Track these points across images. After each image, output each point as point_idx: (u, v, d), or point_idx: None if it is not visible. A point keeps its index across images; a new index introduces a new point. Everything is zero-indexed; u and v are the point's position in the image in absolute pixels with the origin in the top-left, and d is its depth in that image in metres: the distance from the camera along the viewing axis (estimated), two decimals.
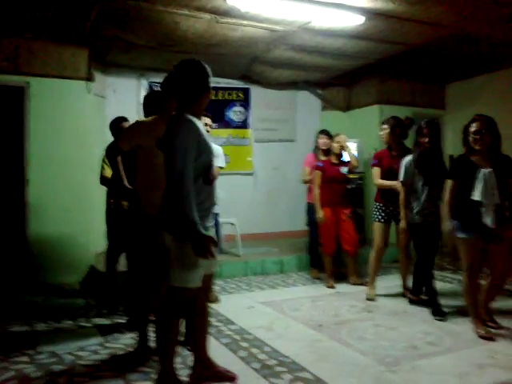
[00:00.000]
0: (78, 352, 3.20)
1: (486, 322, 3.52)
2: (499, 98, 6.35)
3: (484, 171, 3.35)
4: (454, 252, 6.14)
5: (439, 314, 3.91)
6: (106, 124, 5.95)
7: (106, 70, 6.16)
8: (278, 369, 2.91)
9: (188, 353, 3.07)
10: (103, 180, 4.05)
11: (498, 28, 4.81)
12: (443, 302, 4.10)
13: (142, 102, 3.44)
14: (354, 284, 5.07)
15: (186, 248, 2.38)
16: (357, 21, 4.54)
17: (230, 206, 5.51)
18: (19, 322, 3.84)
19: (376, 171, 4.55)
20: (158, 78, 6.36)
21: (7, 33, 4.78)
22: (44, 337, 3.52)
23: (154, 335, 2.57)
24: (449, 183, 3.55)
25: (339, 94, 7.70)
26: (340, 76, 6.99)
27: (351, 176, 5.47)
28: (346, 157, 5.18)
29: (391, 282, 5.01)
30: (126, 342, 3.41)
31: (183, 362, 2.99)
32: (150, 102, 3.26)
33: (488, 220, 3.33)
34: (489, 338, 3.36)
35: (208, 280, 2.73)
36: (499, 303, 3.92)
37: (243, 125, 7.15)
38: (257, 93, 7.24)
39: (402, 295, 4.55)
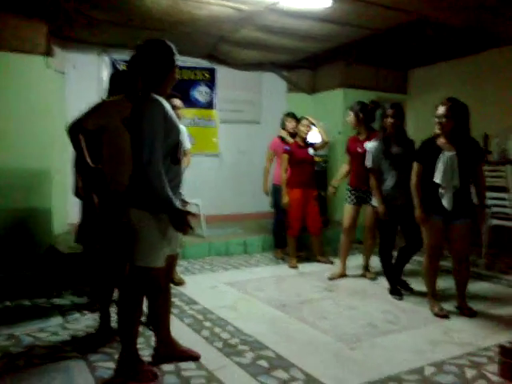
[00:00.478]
0: (38, 333, 3.14)
1: (463, 311, 3.56)
2: (460, 84, 6.51)
3: (447, 154, 3.41)
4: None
5: (396, 293, 4.03)
6: (65, 100, 5.84)
7: (67, 46, 5.93)
8: (241, 348, 2.95)
9: (150, 333, 3.07)
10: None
11: (459, 15, 4.90)
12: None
13: (103, 78, 3.37)
14: (321, 262, 5.22)
15: (151, 227, 2.39)
16: (324, 3, 4.53)
17: (194, 187, 5.47)
18: None
19: (347, 158, 4.75)
20: (121, 55, 6.20)
21: None
22: (0, 318, 3.43)
23: (117, 316, 2.55)
24: (415, 167, 3.61)
25: (305, 77, 7.71)
26: (306, 59, 7.00)
27: (316, 159, 5.54)
28: (314, 137, 5.28)
29: (353, 263, 5.13)
30: (86, 323, 3.37)
31: (146, 342, 2.98)
32: (117, 81, 3.20)
33: (445, 202, 3.40)
34: (443, 316, 3.50)
35: (172, 260, 2.73)
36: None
37: (208, 105, 7.07)
38: (223, 73, 7.15)
39: (362, 275, 4.69)
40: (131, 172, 2.47)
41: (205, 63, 6.98)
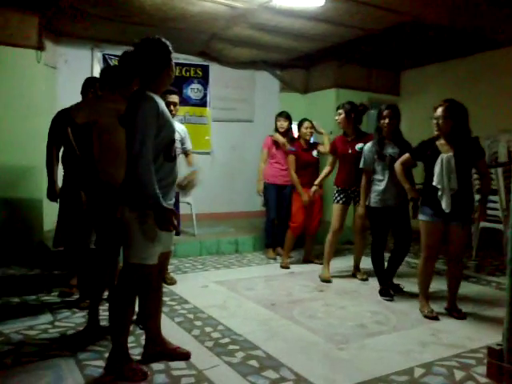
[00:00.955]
0: (27, 331, 3.11)
1: (452, 313, 3.58)
2: (452, 86, 6.56)
3: (443, 156, 3.40)
4: None
5: (387, 294, 4.05)
6: (57, 95, 5.79)
7: (59, 40, 5.88)
8: (231, 347, 2.94)
9: (141, 331, 3.06)
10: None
11: (451, 16, 4.93)
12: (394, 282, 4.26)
13: (95, 73, 3.35)
14: (314, 262, 5.21)
15: (145, 224, 2.39)
16: (317, 2, 4.54)
17: None
18: None
19: (331, 159, 4.74)
20: (113, 50, 6.16)
21: None
22: None
23: (108, 313, 2.54)
24: (404, 156, 3.68)
25: (298, 76, 7.71)
26: (299, 58, 7.01)
27: None
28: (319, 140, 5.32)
29: (344, 263, 5.15)
30: (76, 320, 3.34)
31: (136, 340, 2.97)
32: (108, 77, 3.17)
33: (443, 204, 3.39)
34: (433, 317, 3.52)
35: (164, 258, 2.72)
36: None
37: (201, 103, 7.05)
38: (216, 71, 7.14)
39: (353, 275, 4.71)
40: (125, 168, 2.47)
41: (198, 60, 6.96)
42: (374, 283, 4.33)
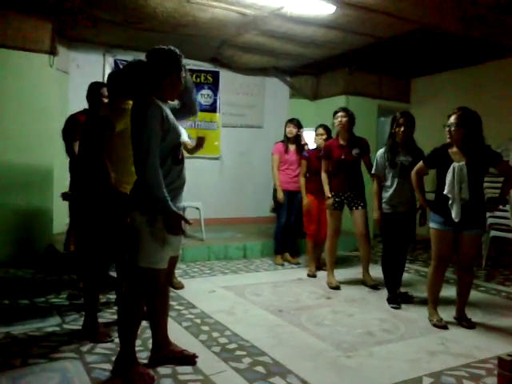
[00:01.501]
0: (35, 333, 3.13)
1: (461, 322, 3.54)
2: (462, 94, 6.54)
3: (455, 165, 3.36)
4: (412, 242, 6.35)
5: (394, 302, 4.02)
6: (68, 99, 5.85)
7: (71, 45, 5.96)
8: (238, 353, 2.93)
9: (148, 335, 3.05)
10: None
11: (462, 24, 4.92)
12: (402, 291, 4.23)
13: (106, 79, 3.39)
14: (323, 269, 5.13)
15: (155, 228, 2.40)
16: (328, 9, 4.55)
17: (195, 190, 5.47)
18: None
19: (324, 163, 4.64)
20: (125, 56, 6.22)
21: None
22: None
23: (117, 316, 2.56)
24: (418, 164, 3.64)
25: (307, 83, 7.73)
26: (309, 65, 7.02)
27: None
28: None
29: (352, 271, 5.13)
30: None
31: (143, 344, 2.97)
32: (116, 82, 3.21)
33: (453, 213, 3.35)
34: (442, 326, 3.48)
35: (172, 263, 2.74)
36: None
37: (211, 108, 7.09)
38: (226, 77, 7.18)
39: (362, 283, 4.66)
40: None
41: (208, 66, 7.00)
42: (382, 291, 4.29)
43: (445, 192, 3.39)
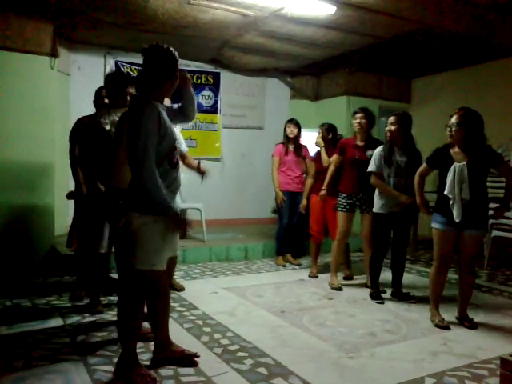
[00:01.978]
0: (37, 335, 3.13)
1: (463, 322, 3.54)
2: (463, 94, 6.53)
3: (456, 165, 3.35)
4: (414, 243, 6.36)
5: (378, 298, 4.13)
6: (70, 101, 5.86)
7: (72, 47, 5.96)
8: (240, 354, 2.93)
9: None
10: None
11: (461, 25, 4.92)
12: (403, 291, 4.24)
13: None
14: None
15: (154, 229, 2.40)
16: (328, 10, 4.55)
17: (196, 191, 5.47)
18: None
19: (336, 158, 4.58)
20: (126, 57, 6.23)
21: None
22: (0, 318, 3.42)
23: (117, 318, 2.57)
24: (422, 166, 3.63)
25: (308, 84, 7.73)
26: (309, 65, 7.02)
27: None
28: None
29: (354, 271, 5.11)
30: (86, 325, 3.35)
31: (145, 345, 2.97)
32: (113, 83, 3.30)
33: (454, 214, 3.35)
34: (444, 326, 3.47)
35: (171, 263, 2.74)
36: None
37: (212, 110, 7.08)
38: (227, 78, 7.18)
39: (365, 286, 4.59)
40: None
41: (209, 67, 7.00)
42: (386, 293, 4.30)
43: (445, 192, 3.39)
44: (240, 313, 3.77)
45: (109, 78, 3.64)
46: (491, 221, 5.26)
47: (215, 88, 7.07)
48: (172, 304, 3.48)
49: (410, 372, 2.74)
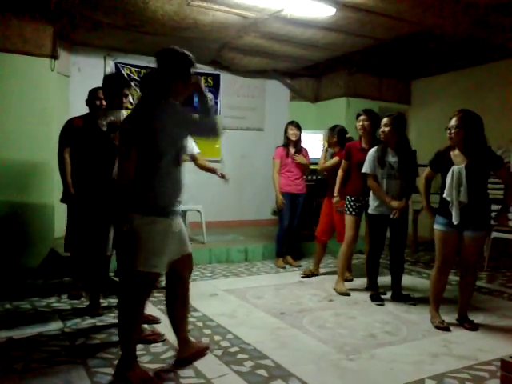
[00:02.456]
0: (37, 337, 3.12)
1: (464, 324, 3.53)
2: (463, 95, 6.53)
3: (454, 168, 3.35)
4: (414, 244, 6.36)
5: (378, 299, 4.14)
6: (69, 102, 5.86)
7: (72, 48, 5.97)
8: (240, 356, 2.93)
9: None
10: None
11: (462, 26, 4.93)
12: (403, 293, 4.24)
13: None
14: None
15: (154, 231, 2.42)
16: (328, 12, 4.56)
17: (196, 192, 5.47)
18: None
19: (343, 164, 4.55)
20: (125, 59, 6.23)
21: None
22: (1, 320, 3.42)
23: (117, 320, 2.58)
24: (426, 170, 3.63)
25: (308, 85, 7.73)
26: (309, 67, 7.03)
27: (314, 167, 5.58)
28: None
29: (354, 273, 5.10)
30: (86, 328, 3.35)
31: (145, 348, 2.97)
32: (110, 85, 3.31)
33: (453, 216, 3.35)
34: (444, 328, 3.47)
35: (187, 259, 2.81)
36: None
37: None
38: (226, 79, 7.18)
39: (366, 289, 4.51)
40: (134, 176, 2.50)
41: (209, 69, 7.00)
42: (386, 295, 4.30)
43: (444, 195, 3.40)
44: (240, 315, 3.77)
45: (106, 79, 3.64)
46: (491, 222, 5.27)
47: (215, 90, 7.07)
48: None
49: (410, 374, 2.74)
